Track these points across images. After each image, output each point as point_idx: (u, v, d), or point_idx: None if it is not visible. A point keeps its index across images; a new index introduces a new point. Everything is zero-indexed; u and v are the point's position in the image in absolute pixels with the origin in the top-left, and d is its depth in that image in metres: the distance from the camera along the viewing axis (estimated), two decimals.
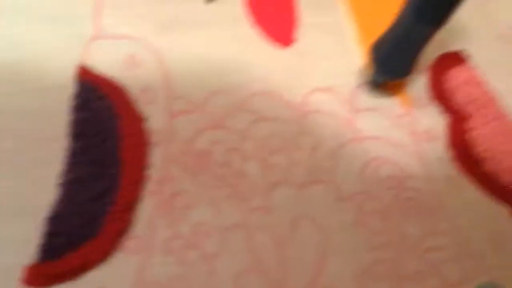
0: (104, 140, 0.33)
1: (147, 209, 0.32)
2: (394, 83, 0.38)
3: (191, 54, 0.37)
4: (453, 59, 0.40)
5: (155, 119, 0.34)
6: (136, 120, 0.34)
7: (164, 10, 0.38)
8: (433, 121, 0.38)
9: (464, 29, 0.42)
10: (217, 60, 0.37)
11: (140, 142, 0.33)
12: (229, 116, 0.35)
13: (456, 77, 0.39)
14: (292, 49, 0.39)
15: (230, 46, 0.38)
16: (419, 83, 0.39)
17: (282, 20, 0.40)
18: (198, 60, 0.37)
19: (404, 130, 0.37)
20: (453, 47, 0.41)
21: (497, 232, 0.34)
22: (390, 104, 0.38)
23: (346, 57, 0.40)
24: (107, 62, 0.36)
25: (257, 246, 0.32)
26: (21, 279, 0.29)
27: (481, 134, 0.37)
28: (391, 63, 0.36)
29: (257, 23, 0.39)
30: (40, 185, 0.31)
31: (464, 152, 0.37)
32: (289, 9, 0.41)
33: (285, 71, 0.38)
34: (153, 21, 0.38)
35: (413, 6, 0.31)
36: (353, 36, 0.40)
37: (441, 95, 0.39)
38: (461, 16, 0.39)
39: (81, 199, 0.31)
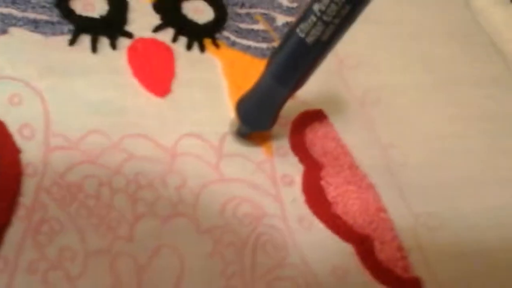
0: None
1: (16, 233, 0.35)
2: (258, 133, 0.43)
3: (71, 96, 0.42)
4: (313, 116, 0.47)
5: (32, 153, 0.38)
6: (12, 152, 0.37)
7: (49, 56, 0.43)
8: (291, 168, 0.44)
9: (325, 91, 0.48)
10: (95, 104, 0.42)
11: (14, 172, 0.37)
12: (103, 154, 0.40)
13: (314, 131, 0.46)
14: (167, 98, 0.44)
15: (109, 92, 0.43)
16: (281, 135, 0.45)
17: (160, 73, 0.45)
18: (78, 102, 0.41)
19: (264, 175, 0.42)
20: (315, 106, 0.47)
21: (340, 267, 0.40)
22: (254, 152, 0.43)
23: (217, 109, 0.45)
24: None
25: (119, 270, 0.36)
26: None
27: (333, 182, 0.43)
28: (253, 117, 0.41)
29: (136, 74, 0.44)
30: None
31: (317, 197, 0.42)
32: (168, 64, 0.46)
33: (158, 118, 0.43)
34: (38, 65, 0.42)
35: (270, 70, 0.37)
36: (225, 92, 0.46)
37: (300, 146, 0.45)
38: (321, 79, 0.46)
39: None
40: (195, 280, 0.36)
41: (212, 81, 0.47)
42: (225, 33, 0.50)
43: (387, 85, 0.52)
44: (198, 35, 0.49)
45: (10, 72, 0.42)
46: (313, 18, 0.33)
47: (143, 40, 0.47)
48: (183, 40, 0.49)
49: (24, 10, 0.45)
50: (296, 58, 0.36)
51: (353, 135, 0.47)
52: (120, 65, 0.45)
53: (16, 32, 0.44)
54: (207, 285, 0.36)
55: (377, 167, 0.45)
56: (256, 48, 0.50)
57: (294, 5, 0.54)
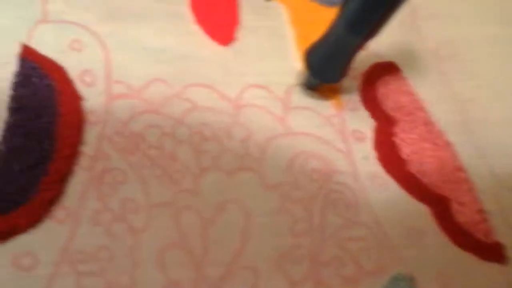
0: (41, 115, 0.35)
1: (79, 182, 0.34)
2: (328, 86, 0.41)
3: (133, 43, 0.40)
4: (385, 69, 0.44)
5: (93, 100, 0.37)
6: (74, 99, 0.36)
7: (110, 1, 0.41)
8: (362, 124, 0.41)
9: (398, 43, 0.45)
10: (158, 50, 0.40)
11: (76, 119, 0.35)
12: (165, 103, 0.38)
13: (386, 85, 0.43)
14: (231, 47, 0.42)
15: (172, 39, 0.41)
16: (352, 88, 0.42)
17: (224, 20, 0.43)
18: (140, 48, 0.40)
19: (334, 129, 0.40)
20: (386, 58, 0.44)
21: (415, 228, 0.37)
22: (322, 105, 0.41)
23: (283, 59, 0.43)
24: (50, 44, 0.38)
25: (183, 224, 0.34)
26: None
27: (407, 138, 0.41)
28: (323, 68, 0.39)
29: (199, 21, 0.42)
30: None
31: (390, 154, 0.40)
32: (232, 11, 0.44)
33: (222, 67, 0.41)
34: (99, 10, 0.41)
35: (343, 18, 0.34)
36: (291, 40, 0.43)
37: (371, 100, 0.42)
38: (394, 30, 0.43)
39: (14, 168, 0.33)
40: (262, 237, 0.35)
41: (278, 30, 0.44)
42: None
43: (464, 38, 0.48)
44: None
45: (70, 16, 0.40)
46: None
47: None
48: None
49: None
50: (372, 5, 0.33)
51: (427, 89, 0.44)
52: (182, 11, 0.43)
53: None
54: (274, 243, 0.35)
55: (454, 124, 0.42)
56: None
57: None
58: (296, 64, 0.42)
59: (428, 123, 0.41)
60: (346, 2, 0.34)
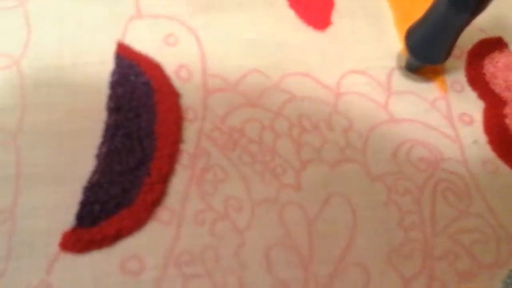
0: (139, 114, 0.34)
1: (181, 182, 0.33)
2: (431, 67, 0.38)
3: (227, 34, 0.39)
4: (492, 45, 0.41)
5: (190, 96, 0.36)
6: (171, 96, 0.35)
7: None
8: (469, 106, 0.39)
9: (504, 17, 0.42)
10: (252, 41, 0.39)
11: (174, 117, 0.35)
12: (263, 95, 0.37)
13: (494, 62, 0.40)
14: (327, 31, 0.40)
15: (265, 27, 0.40)
16: (456, 68, 0.40)
17: (318, 3, 0.41)
18: (234, 40, 0.39)
19: (439, 113, 0.38)
20: (492, 33, 0.41)
21: None
22: (426, 88, 0.39)
23: (382, 41, 0.41)
24: (145, 40, 0.37)
25: (288, 221, 0.33)
26: (60, 243, 0.31)
27: None
28: (426, 49, 0.37)
29: (292, 5, 0.41)
30: (78, 155, 0.33)
31: (501, 137, 0.37)
32: None
33: (320, 53, 0.39)
34: (191, 3, 0.40)
35: None
36: (390, 21, 0.41)
37: (478, 80, 0.40)
38: (500, 3, 0.40)
39: (117, 170, 0.33)
40: (370, 232, 0.33)
41: (375, 9, 0.42)
42: None
43: None
44: None
45: (163, 10, 0.39)
46: None
47: None
48: None
49: None
50: None
51: None
52: None
53: None
54: (382, 237, 0.33)
55: None
56: None
57: None
58: (396, 46, 0.39)
59: None
60: None
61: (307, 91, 0.37)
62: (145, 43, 0.37)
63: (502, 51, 0.40)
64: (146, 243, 0.31)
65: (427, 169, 0.35)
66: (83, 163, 0.33)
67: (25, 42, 0.36)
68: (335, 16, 0.41)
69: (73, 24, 0.37)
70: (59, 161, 0.33)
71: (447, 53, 0.36)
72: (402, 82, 0.39)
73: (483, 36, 0.41)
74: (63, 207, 0.32)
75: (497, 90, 0.38)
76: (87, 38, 0.37)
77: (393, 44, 0.40)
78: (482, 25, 0.41)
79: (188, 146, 0.34)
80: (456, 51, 0.39)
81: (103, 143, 0.33)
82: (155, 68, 0.36)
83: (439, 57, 0.36)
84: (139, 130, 0.34)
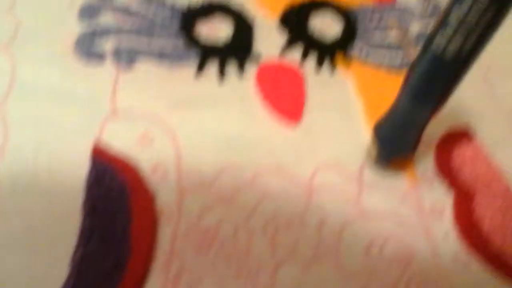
0: (115, 216, 0.35)
1: (155, 286, 0.33)
2: (400, 160, 0.39)
3: (202, 131, 0.40)
4: (460, 136, 0.42)
5: (166, 196, 0.36)
6: (147, 197, 0.36)
7: (176, 89, 0.41)
8: (439, 197, 0.39)
9: (471, 108, 0.44)
10: (227, 137, 0.40)
11: (149, 219, 0.35)
12: (237, 193, 0.37)
13: (462, 154, 0.41)
14: (299, 126, 0.41)
15: (239, 123, 0.41)
16: (425, 160, 0.41)
17: (290, 98, 0.42)
18: (209, 137, 0.39)
19: (410, 207, 0.39)
20: (460, 124, 0.43)
21: None
22: (397, 181, 0.40)
23: (353, 135, 0.42)
24: (121, 140, 0.38)
25: None
26: None
27: (488, 212, 0.39)
28: (393, 143, 0.38)
29: (265, 101, 0.42)
30: (54, 261, 0.33)
31: (471, 230, 0.38)
32: (298, 88, 0.43)
33: (292, 148, 0.40)
34: (166, 100, 0.41)
35: (409, 88, 0.33)
36: (360, 114, 0.42)
37: (447, 171, 0.41)
38: (467, 95, 0.41)
39: (90, 276, 0.33)
40: None
41: (346, 103, 0.44)
42: (356, 48, 0.46)
43: None
44: (326, 52, 0.46)
45: (138, 110, 0.40)
46: (450, 29, 0.29)
47: (270, 65, 0.44)
48: (311, 61, 0.45)
49: (149, 42, 0.43)
50: (435, 76, 0.32)
51: (505, 155, 0.41)
52: (248, 93, 0.43)
53: (142, 66, 0.43)
54: None
55: None
56: (390, 63, 0.46)
57: (428, 13, 0.49)
58: (366, 139, 0.40)
59: (507, 195, 0.39)
60: (409, 72, 0.33)
61: (281, 188, 0.38)
62: (121, 143, 0.38)
63: (469, 143, 0.42)
64: None
65: (399, 266, 0.36)
66: (58, 269, 0.33)
67: (2, 146, 0.36)
68: (307, 111, 0.42)
69: (50, 127, 0.38)
70: (34, 267, 0.33)
71: (415, 146, 0.37)
72: (373, 175, 0.39)
73: (450, 127, 0.42)
74: None
75: (465, 181, 0.39)
76: (64, 142, 0.38)
77: (363, 138, 0.41)
78: (449, 116, 0.42)
79: (163, 248, 0.34)
80: (425, 143, 0.40)
81: (77, 247, 0.33)
82: (130, 169, 0.37)
83: (406, 149, 0.38)
84: (114, 233, 0.34)
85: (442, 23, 0.29)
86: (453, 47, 0.30)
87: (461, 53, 0.30)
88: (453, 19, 0.29)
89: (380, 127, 0.38)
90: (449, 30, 0.29)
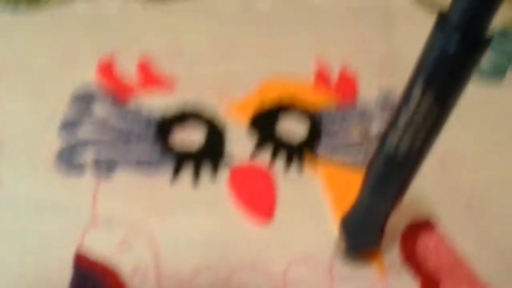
0: None
1: None
2: (368, 251, 0.42)
3: (179, 234, 0.42)
4: (423, 226, 0.45)
5: None
6: None
7: (154, 195, 0.44)
8: (407, 286, 0.41)
9: (431, 197, 0.47)
10: (203, 239, 0.42)
11: None
12: None
13: (426, 243, 0.44)
14: (271, 224, 0.44)
15: (214, 224, 0.43)
16: (392, 250, 0.43)
17: (262, 198, 0.45)
18: (186, 239, 0.42)
19: None
20: (422, 214, 0.45)
21: None
22: (366, 271, 0.42)
23: (322, 229, 0.44)
24: (101, 246, 0.40)
25: None
26: None
27: None
28: (358, 235, 0.40)
29: (238, 201, 0.44)
30: None
31: None
32: (268, 187, 0.46)
33: (265, 245, 0.42)
34: (144, 206, 0.43)
35: (367, 185, 0.36)
36: (328, 209, 0.45)
37: (412, 260, 0.43)
38: (426, 185, 0.44)
39: None
40: None
41: (315, 199, 0.46)
42: (322, 148, 0.50)
43: (496, 181, 0.49)
44: (294, 154, 0.49)
45: (118, 216, 0.42)
46: (399, 129, 0.31)
47: (241, 168, 0.47)
48: (281, 162, 0.48)
49: (127, 152, 0.46)
50: (389, 173, 0.34)
51: (466, 241, 0.44)
52: (222, 195, 0.46)
53: (121, 174, 0.45)
54: None
55: (499, 275, 0.42)
56: (353, 160, 0.49)
57: (385, 115, 0.53)
58: (336, 232, 0.42)
59: (470, 279, 0.41)
60: (367, 170, 0.36)
61: (256, 284, 0.40)
62: (101, 249, 0.40)
63: (432, 232, 0.44)
64: None
65: None
66: None
67: None
68: (278, 209, 0.45)
69: (32, 238, 0.40)
70: None
71: (379, 237, 0.40)
72: (343, 268, 0.42)
73: (412, 217, 0.45)
74: None
75: (430, 269, 0.42)
76: (47, 250, 0.39)
77: (332, 232, 0.43)
78: (410, 207, 0.45)
79: None
80: (390, 233, 0.42)
81: None
82: (111, 274, 0.39)
83: (372, 241, 0.40)
84: None
85: (393, 124, 0.32)
86: (404, 146, 0.32)
87: (412, 150, 0.32)
88: (402, 120, 0.31)
89: (346, 221, 0.40)
90: (399, 131, 0.32)
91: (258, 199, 0.45)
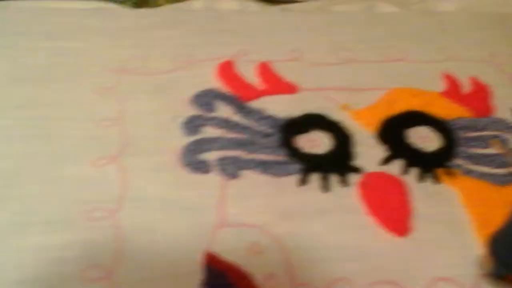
0: None
1: None
2: None
3: (310, 241, 0.40)
4: None
5: None
6: None
7: (283, 200, 0.41)
8: None
9: None
10: (335, 248, 0.39)
11: None
12: None
13: None
14: (408, 238, 0.41)
15: (347, 234, 0.40)
16: None
17: (397, 210, 0.42)
18: (317, 247, 0.39)
19: None
20: None
21: None
22: None
23: (463, 247, 0.41)
24: (231, 249, 0.38)
25: None
26: None
27: None
28: (509, 258, 0.36)
29: (371, 212, 0.41)
30: None
31: None
32: (403, 200, 0.43)
33: (403, 261, 0.39)
34: (274, 211, 0.41)
35: None
36: (470, 227, 0.42)
37: None
38: None
39: None
40: None
41: (453, 214, 0.43)
42: (457, 160, 0.46)
43: None
44: (428, 164, 0.46)
45: (246, 219, 0.40)
46: None
47: (372, 175, 0.45)
48: (413, 171, 0.44)
49: (252, 152, 0.44)
50: None
51: None
52: (353, 203, 0.43)
53: (247, 175, 0.43)
54: None
55: None
56: (493, 174, 0.45)
57: None
58: (478, 252, 0.39)
59: None
60: None
61: None
62: (231, 252, 0.38)
63: None
64: None
65: None
66: None
67: (117, 254, 0.36)
68: (415, 222, 0.41)
69: (162, 236, 0.38)
70: None
71: None
72: None
73: None
74: None
75: None
76: (176, 249, 0.37)
77: (475, 251, 0.40)
78: None
79: None
80: None
81: None
82: (244, 279, 0.36)
83: None
84: None
85: None
86: None
87: None
88: None
89: (496, 242, 0.37)
90: None
91: (393, 210, 0.42)
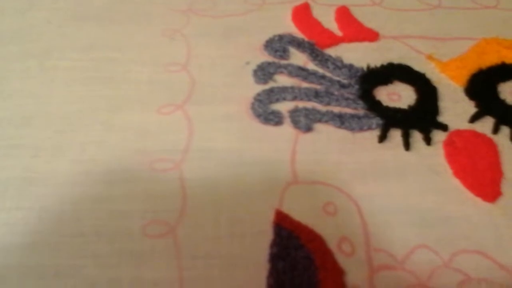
0: None
1: None
2: None
3: (389, 204, 0.37)
4: None
5: (355, 273, 0.34)
6: (336, 273, 0.33)
7: (360, 157, 0.38)
8: None
9: None
10: (417, 212, 0.36)
11: None
12: (433, 275, 0.34)
13: None
14: (498, 203, 0.37)
15: (430, 197, 0.37)
16: None
17: (486, 173, 0.38)
18: (397, 211, 0.36)
19: None
20: None
21: None
22: None
23: None
24: (303, 208, 0.36)
25: None
26: None
27: None
28: None
29: (457, 174, 0.38)
30: None
31: None
32: (494, 161, 0.39)
33: (492, 228, 0.36)
34: (350, 169, 0.38)
35: None
36: None
37: None
38: None
39: None
40: None
41: None
42: None
43: None
44: None
45: (320, 177, 0.37)
46: None
47: (460, 133, 0.41)
48: (505, 130, 0.40)
49: (328, 104, 0.41)
50: None
51: None
52: (437, 163, 0.39)
53: (322, 129, 0.40)
54: None
55: None
56: None
57: None
58: None
59: None
60: None
61: (483, 272, 0.34)
62: (303, 211, 0.36)
63: None
64: None
65: None
66: None
67: (181, 210, 0.34)
68: (505, 186, 0.38)
69: (228, 191, 0.36)
70: None
71: None
72: None
73: None
74: None
75: None
76: (243, 206, 0.35)
77: None
78: None
79: None
80: None
81: None
82: (316, 240, 0.34)
83: None
84: None
85: None
86: None
87: None
88: None
89: None
90: None
91: (481, 172, 0.39)
